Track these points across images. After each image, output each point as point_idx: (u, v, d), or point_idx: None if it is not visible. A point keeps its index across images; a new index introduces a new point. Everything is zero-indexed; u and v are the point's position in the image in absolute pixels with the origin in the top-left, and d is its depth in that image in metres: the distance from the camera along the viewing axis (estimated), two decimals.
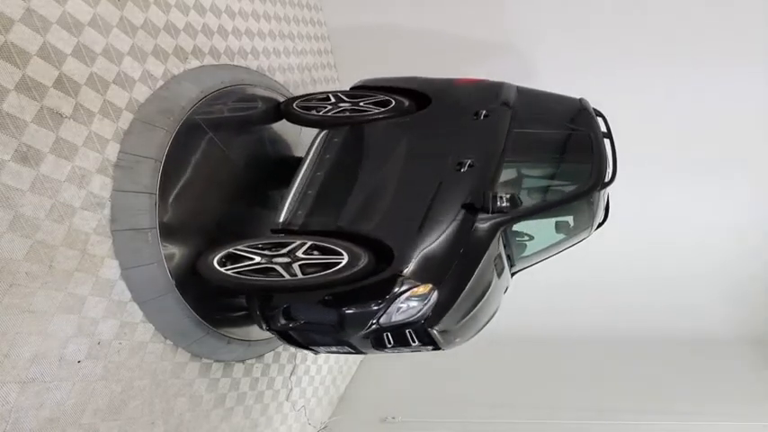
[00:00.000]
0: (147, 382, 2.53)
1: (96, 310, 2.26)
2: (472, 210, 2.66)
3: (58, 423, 2.08)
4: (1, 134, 1.89)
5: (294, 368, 4.01)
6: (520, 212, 2.72)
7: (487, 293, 2.84)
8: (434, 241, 2.59)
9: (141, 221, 2.44)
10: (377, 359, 5.27)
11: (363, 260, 2.52)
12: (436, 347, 2.65)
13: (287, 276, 2.54)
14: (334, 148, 3.18)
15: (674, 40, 4.29)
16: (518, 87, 3.36)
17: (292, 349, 3.96)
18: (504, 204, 2.60)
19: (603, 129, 3.13)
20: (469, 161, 2.82)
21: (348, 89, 3.61)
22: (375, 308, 2.46)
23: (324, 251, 2.58)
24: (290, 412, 3.95)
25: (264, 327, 2.72)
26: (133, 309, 2.45)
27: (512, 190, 2.93)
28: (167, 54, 2.77)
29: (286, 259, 2.60)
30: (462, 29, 4.66)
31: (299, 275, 2.54)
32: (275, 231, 2.90)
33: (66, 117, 2.14)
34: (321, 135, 3.27)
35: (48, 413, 2.04)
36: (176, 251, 2.65)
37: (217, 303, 2.94)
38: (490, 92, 3.27)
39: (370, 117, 3.27)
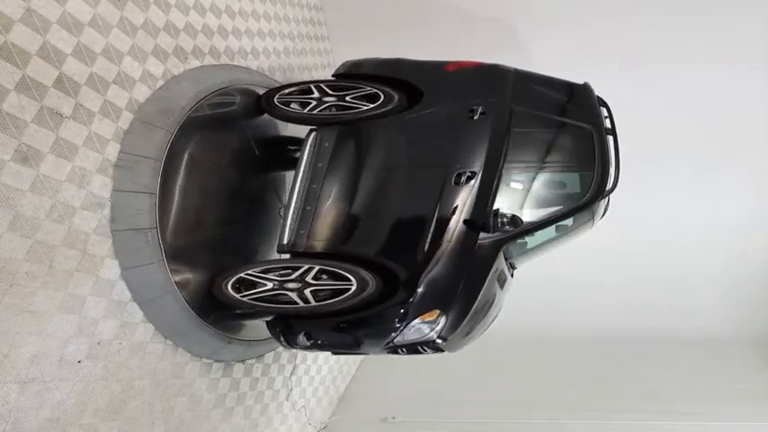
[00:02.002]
0: (147, 382, 2.53)
1: (96, 310, 2.26)
2: (474, 226, 2.68)
3: (58, 423, 2.08)
4: (1, 134, 1.89)
5: (294, 368, 4.01)
6: (521, 230, 2.74)
7: (492, 306, 2.96)
8: (439, 264, 2.64)
9: (141, 221, 2.44)
10: (377, 359, 5.27)
11: (371, 286, 2.64)
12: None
13: (301, 303, 2.69)
14: (325, 156, 3.04)
15: (673, 40, 4.29)
16: (515, 72, 3.14)
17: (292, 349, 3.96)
18: (506, 223, 2.64)
19: (606, 122, 2.99)
20: (468, 173, 2.76)
21: (331, 77, 3.38)
22: (389, 332, 2.64)
23: (332, 275, 2.68)
24: (290, 412, 3.95)
25: (286, 346, 2.85)
26: (133, 309, 2.45)
27: (511, 200, 2.87)
28: (167, 54, 2.77)
29: (297, 284, 2.70)
30: (465, 28, 4.66)
31: (312, 302, 2.68)
32: (281, 251, 2.93)
33: (66, 117, 2.14)
34: (311, 138, 3.10)
35: (48, 413, 2.04)
36: (177, 251, 2.65)
37: (217, 303, 2.93)
38: (485, 81, 3.07)
39: (359, 115, 3.07)
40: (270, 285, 2.74)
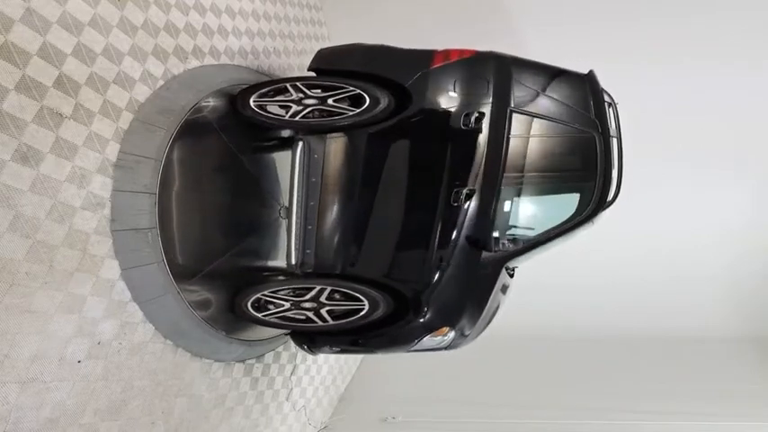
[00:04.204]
0: (148, 382, 2.53)
1: (96, 310, 2.26)
2: (476, 244, 2.70)
3: (58, 423, 2.08)
4: (1, 134, 1.89)
5: (294, 368, 4.00)
6: (523, 248, 2.76)
7: (496, 311, 3.06)
8: (445, 283, 2.70)
9: (141, 221, 2.44)
10: (377, 359, 5.27)
11: (383, 306, 2.72)
12: None
13: (319, 322, 2.81)
14: (317, 170, 2.94)
15: (672, 39, 4.29)
16: (512, 62, 2.87)
17: (293, 349, 3.96)
18: (507, 245, 2.67)
19: (610, 110, 2.84)
20: (466, 190, 2.67)
21: (307, 72, 3.09)
22: (404, 345, 2.80)
23: (345, 296, 2.76)
24: (290, 412, 3.94)
25: (312, 354, 3.06)
26: (133, 309, 2.45)
27: (511, 215, 2.84)
28: (167, 54, 2.77)
29: (312, 304, 2.79)
30: (465, 26, 4.66)
31: (330, 321, 2.80)
32: (291, 271, 2.99)
33: (66, 117, 2.13)
34: (299, 148, 2.96)
35: (48, 413, 2.04)
36: (177, 251, 2.65)
37: (217, 303, 2.94)
38: (479, 78, 2.80)
39: (344, 122, 2.86)
40: (287, 305, 2.84)
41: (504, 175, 2.71)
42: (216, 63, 3.20)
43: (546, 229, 2.80)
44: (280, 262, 3.25)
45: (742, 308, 5.17)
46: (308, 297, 2.80)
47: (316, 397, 4.37)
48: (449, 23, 4.69)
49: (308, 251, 2.93)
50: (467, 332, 2.86)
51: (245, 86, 3.05)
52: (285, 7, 4.25)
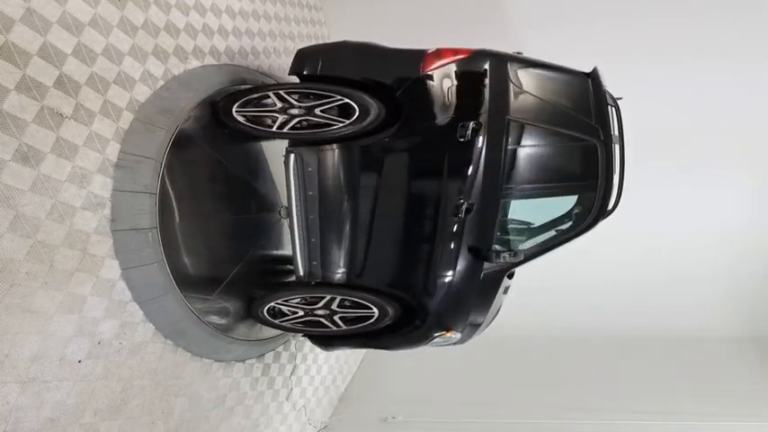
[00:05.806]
0: (148, 382, 2.53)
1: (97, 310, 2.26)
2: (477, 255, 2.74)
3: (59, 423, 2.08)
4: (1, 134, 1.89)
5: (294, 368, 4.00)
6: (523, 260, 2.78)
7: (498, 312, 3.20)
8: (450, 292, 2.76)
9: (142, 221, 2.44)
10: (377, 359, 5.27)
11: (391, 312, 2.83)
12: None
13: (333, 327, 2.97)
14: (313, 183, 2.87)
15: (673, 41, 4.29)
16: (510, 63, 2.65)
17: (293, 349, 3.96)
18: (508, 257, 2.69)
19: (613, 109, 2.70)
20: (465, 204, 2.62)
21: (290, 79, 2.92)
22: (413, 346, 2.97)
23: (354, 304, 2.87)
24: (290, 412, 3.94)
25: (327, 351, 3.39)
26: (133, 309, 2.45)
27: (512, 226, 2.91)
28: (167, 54, 2.77)
29: (325, 311, 2.92)
30: (464, 26, 4.66)
31: (343, 327, 2.95)
32: (300, 281, 3.06)
33: (66, 117, 2.14)
34: (291, 161, 2.87)
35: (48, 413, 2.04)
36: (177, 251, 2.65)
37: (217, 303, 2.94)
38: (475, 84, 2.61)
39: (334, 134, 2.73)
40: (301, 313, 2.96)
41: (504, 187, 2.65)
42: (216, 63, 3.20)
43: (545, 238, 2.84)
44: (288, 256, 3.28)
45: (742, 308, 5.17)
46: (320, 305, 2.92)
47: (316, 397, 4.37)
48: (449, 23, 4.69)
49: (314, 263, 2.99)
50: (473, 330, 3.00)
51: (225, 95, 2.90)
52: (285, 7, 4.25)
